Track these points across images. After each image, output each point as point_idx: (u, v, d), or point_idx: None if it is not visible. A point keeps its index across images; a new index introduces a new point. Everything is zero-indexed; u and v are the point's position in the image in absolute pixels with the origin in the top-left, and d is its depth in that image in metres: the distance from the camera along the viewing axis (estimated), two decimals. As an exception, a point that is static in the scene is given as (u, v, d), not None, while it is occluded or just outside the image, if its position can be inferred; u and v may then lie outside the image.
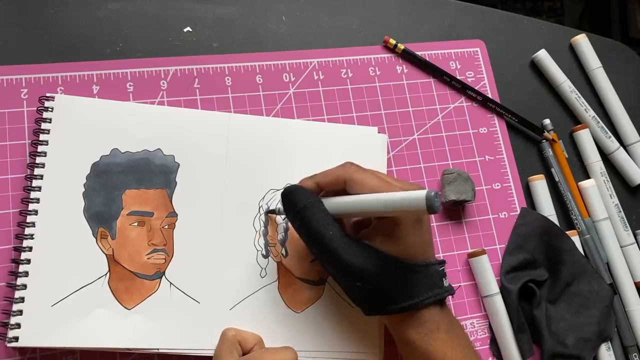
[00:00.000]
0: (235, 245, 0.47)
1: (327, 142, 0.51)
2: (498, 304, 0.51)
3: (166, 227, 0.46)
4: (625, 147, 0.61)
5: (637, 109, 0.63)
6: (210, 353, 0.44)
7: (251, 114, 0.52)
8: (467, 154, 0.56)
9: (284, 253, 0.48)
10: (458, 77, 0.58)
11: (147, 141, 0.48)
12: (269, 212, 0.48)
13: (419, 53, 0.58)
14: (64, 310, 0.43)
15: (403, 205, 0.38)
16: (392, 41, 0.57)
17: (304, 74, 0.55)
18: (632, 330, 0.55)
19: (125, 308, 0.44)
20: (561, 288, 0.53)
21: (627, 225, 0.58)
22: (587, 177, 0.59)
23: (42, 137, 0.46)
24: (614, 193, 0.58)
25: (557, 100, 0.62)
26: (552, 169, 0.58)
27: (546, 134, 0.59)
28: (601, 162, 0.59)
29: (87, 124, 0.47)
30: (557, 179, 0.57)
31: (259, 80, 0.53)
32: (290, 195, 0.42)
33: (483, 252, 0.52)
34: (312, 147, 0.51)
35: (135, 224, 0.46)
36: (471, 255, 0.52)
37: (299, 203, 0.42)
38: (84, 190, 0.46)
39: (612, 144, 0.60)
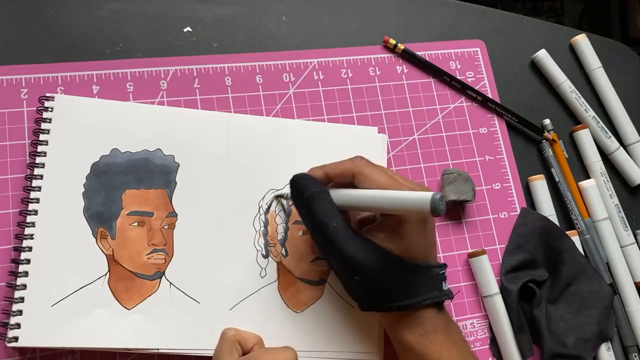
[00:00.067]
0: (235, 245, 0.47)
1: (327, 142, 0.51)
2: (498, 304, 0.51)
3: (166, 227, 0.46)
4: (625, 147, 0.61)
5: (637, 109, 0.63)
6: (210, 353, 0.44)
7: (251, 114, 0.52)
8: (467, 154, 0.56)
9: (284, 253, 0.48)
10: (458, 77, 0.58)
11: (147, 141, 0.48)
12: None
13: (419, 53, 0.58)
14: (64, 310, 0.43)
15: (408, 205, 0.38)
16: (392, 41, 0.57)
17: (304, 74, 0.55)
18: (632, 330, 0.55)
19: (125, 308, 0.44)
20: (561, 288, 0.53)
21: (627, 225, 0.58)
22: (587, 177, 0.59)
23: (42, 137, 0.46)
24: (614, 193, 0.58)
25: (557, 100, 0.62)
26: (552, 169, 0.58)
27: (546, 134, 0.59)
28: (601, 162, 0.59)
29: (87, 124, 0.47)
30: (557, 179, 0.57)
31: (259, 80, 0.53)
32: (299, 183, 0.43)
33: (483, 252, 0.52)
34: (312, 147, 0.51)
35: (135, 224, 0.46)
36: (471, 255, 0.52)
37: (307, 191, 0.42)
38: (83, 190, 0.46)
39: (612, 144, 0.60)
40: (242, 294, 0.46)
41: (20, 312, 0.42)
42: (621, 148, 0.60)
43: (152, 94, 0.51)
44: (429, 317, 0.40)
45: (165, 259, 0.46)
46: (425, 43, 0.59)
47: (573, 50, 0.64)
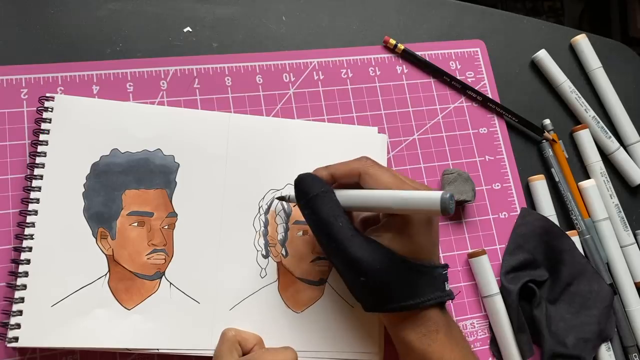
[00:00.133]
0: (235, 245, 0.47)
1: (327, 142, 0.51)
2: (498, 304, 0.51)
3: (166, 227, 0.46)
4: (625, 147, 0.61)
5: (637, 109, 0.63)
6: (210, 353, 0.44)
7: (251, 114, 0.52)
8: (467, 154, 0.56)
9: (284, 253, 0.48)
10: (458, 77, 0.58)
11: (147, 141, 0.48)
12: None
13: (419, 53, 0.58)
14: (64, 311, 0.43)
15: (418, 204, 0.38)
16: (392, 41, 0.57)
17: (304, 74, 0.55)
18: (632, 330, 0.55)
19: (125, 308, 0.44)
20: (561, 288, 0.53)
21: (627, 225, 0.58)
22: (587, 177, 0.59)
23: (42, 137, 0.46)
24: (614, 193, 0.58)
25: (557, 100, 0.62)
26: (552, 169, 0.58)
27: (546, 134, 0.59)
28: (601, 162, 0.59)
29: (87, 124, 0.47)
30: (557, 179, 0.57)
31: (259, 80, 0.53)
32: (303, 183, 0.42)
33: (483, 252, 0.52)
34: (312, 147, 0.51)
35: (135, 224, 0.46)
36: (471, 255, 0.52)
37: (311, 191, 0.41)
38: (83, 190, 0.46)
39: (612, 144, 0.60)
40: (242, 294, 0.46)
41: (20, 312, 0.42)
42: (621, 148, 0.60)
43: (152, 94, 0.51)
44: (432, 317, 0.41)
45: (165, 259, 0.46)
46: (425, 43, 0.59)
47: (573, 50, 0.64)
